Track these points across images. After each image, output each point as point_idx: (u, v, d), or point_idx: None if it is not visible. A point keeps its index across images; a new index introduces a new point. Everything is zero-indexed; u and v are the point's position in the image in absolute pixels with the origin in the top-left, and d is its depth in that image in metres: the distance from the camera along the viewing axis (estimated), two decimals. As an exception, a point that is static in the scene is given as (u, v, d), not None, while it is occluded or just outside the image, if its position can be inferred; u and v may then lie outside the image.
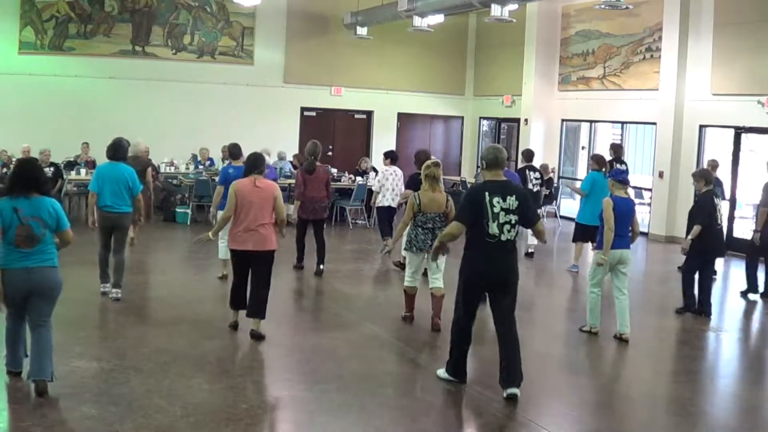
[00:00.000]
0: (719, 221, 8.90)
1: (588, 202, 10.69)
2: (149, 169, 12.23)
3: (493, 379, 6.54)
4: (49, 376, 5.43)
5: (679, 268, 11.44)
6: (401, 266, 10.65)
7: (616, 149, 13.49)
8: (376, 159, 17.69)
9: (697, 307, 8.75)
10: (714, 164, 11.73)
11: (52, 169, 13.44)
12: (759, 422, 5.84)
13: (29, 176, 5.49)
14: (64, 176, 13.84)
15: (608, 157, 13.13)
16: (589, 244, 10.73)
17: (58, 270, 5.57)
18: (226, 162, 11.27)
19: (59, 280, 5.57)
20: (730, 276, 11.68)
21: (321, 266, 10.23)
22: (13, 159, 14.03)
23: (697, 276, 8.83)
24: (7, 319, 5.69)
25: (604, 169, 10.97)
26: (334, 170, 16.27)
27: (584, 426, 5.59)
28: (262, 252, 7.04)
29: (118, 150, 8.39)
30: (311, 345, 7.15)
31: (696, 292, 8.82)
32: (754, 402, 6.30)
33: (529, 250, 12.10)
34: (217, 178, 14.53)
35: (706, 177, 8.94)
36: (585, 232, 10.64)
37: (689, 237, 8.76)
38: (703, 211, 8.76)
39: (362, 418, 5.42)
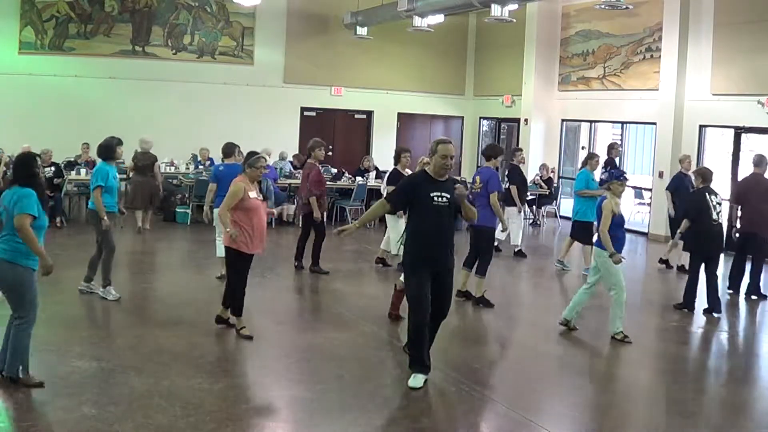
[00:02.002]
0: (716, 219, 8.93)
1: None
2: (156, 163, 13.18)
3: (492, 380, 6.55)
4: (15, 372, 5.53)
5: (660, 260, 11.82)
6: (383, 263, 10.91)
7: (609, 150, 13.34)
8: (376, 159, 17.70)
9: (707, 306, 8.86)
10: (686, 158, 11.99)
11: (52, 168, 13.46)
12: (762, 422, 5.83)
13: (15, 169, 5.78)
14: (65, 176, 13.83)
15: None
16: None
17: (12, 264, 5.41)
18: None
19: (7, 275, 5.45)
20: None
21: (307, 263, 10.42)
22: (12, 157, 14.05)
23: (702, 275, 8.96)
24: None
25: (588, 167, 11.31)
26: (334, 170, 16.28)
27: (584, 426, 5.59)
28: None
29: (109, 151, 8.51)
30: (311, 345, 7.15)
31: (699, 290, 8.95)
32: (756, 402, 6.30)
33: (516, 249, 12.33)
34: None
35: (703, 175, 9.09)
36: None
37: (678, 231, 9.21)
38: (693, 207, 8.97)
39: (362, 418, 5.41)
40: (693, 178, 9.54)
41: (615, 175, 7.77)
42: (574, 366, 7.05)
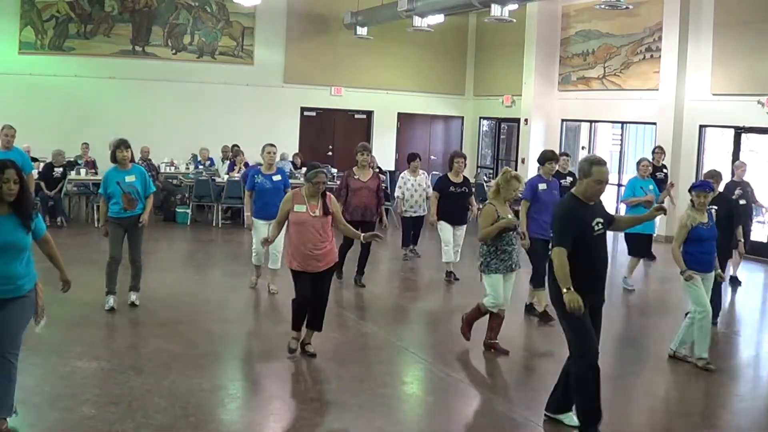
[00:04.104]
0: None
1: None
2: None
3: (493, 380, 6.56)
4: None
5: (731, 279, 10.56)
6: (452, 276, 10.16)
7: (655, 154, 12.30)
8: (376, 159, 17.70)
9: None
10: (741, 165, 11.26)
11: (61, 169, 13.55)
12: (761, 422, 5.83)
13: None
14: (66, 176, 13.86)
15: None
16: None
17: None
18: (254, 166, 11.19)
19: None
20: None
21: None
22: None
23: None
24: None
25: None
26: (334, 170, 16.28)
27: (584, 426, 5.58)
28: None
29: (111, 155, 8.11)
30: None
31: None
32: (756, 403, 6.30)
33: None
34: (217, 179, 14.64)
35: (715, 178, 8.56)
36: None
37: (740, 240, 8.32)
38: (738, 211, 8.49)
39: (362, 418, 5.41)
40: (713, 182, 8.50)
41: (694, 184, 7.21)
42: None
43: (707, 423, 5.77)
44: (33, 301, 4.84)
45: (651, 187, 10.39)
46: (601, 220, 5.12)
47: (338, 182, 10.76)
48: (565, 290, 4.94)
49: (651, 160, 11.31)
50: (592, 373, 5.06)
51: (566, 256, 4.97)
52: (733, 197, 10.04)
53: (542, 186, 8.26)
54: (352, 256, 9.62)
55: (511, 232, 6.91)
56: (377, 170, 10.00)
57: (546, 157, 8.61)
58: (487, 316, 7.07)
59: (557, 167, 10.32)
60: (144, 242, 11.79)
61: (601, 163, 5.10)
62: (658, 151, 12.16)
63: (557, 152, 10.54)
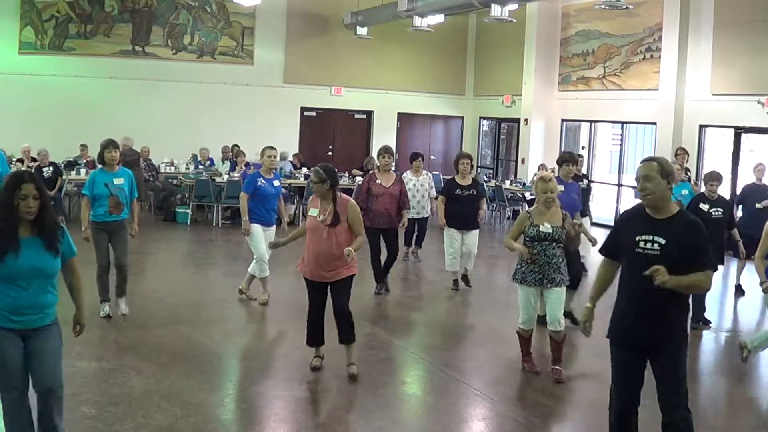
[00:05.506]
0: None
1: None
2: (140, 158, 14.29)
3: (494, 380, 6.54)
4: None
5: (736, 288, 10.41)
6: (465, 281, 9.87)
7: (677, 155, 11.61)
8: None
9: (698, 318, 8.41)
10: (758, 165, 10.82)
11: (51, 168, 13.49)
12: (758, 421, 5.83)
13: None
14: (64, 176, 13.83)
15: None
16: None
17: None
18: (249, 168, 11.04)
19: None
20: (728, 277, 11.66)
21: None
22: (13, 159, 14.05)
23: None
24: None
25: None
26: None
27: (584, 426, 5.58)
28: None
29: (98, 156, 7.85)
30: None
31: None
32: (757, 403, 6.30)
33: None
34: (217, 179, 14.63)
35: (720, 181, 8.45)
36: None
37: (738, 240, 8.38)
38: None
39: (362, 418, 5.42)
40: (719, 184, 8.45)
41: None
42: (574, 366, 7.04)
43: (707, 423, 5.77)
44: (60, 329, 4.20)
45: (685, 192, 9.63)
46: (660, 240, 4.07)
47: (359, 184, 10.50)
48: (588, 304, 4.57)
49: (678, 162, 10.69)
50: (615, 422, 4.39)
51: (604, 263, 4.49)
52: (757, 206, 10.07)
53: (560, 188, 7.86)
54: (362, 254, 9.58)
55: (548, 243, 6.31)
56: (398, 174, 9.77)
57: (563, 159, 8.37)
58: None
59: (574, 170, 9.46)
60: (144, 242, 11.91)
61: (648, 160, 4.25)
62: (681, 152, 11.65)
63: (573, 154, 10.10)
